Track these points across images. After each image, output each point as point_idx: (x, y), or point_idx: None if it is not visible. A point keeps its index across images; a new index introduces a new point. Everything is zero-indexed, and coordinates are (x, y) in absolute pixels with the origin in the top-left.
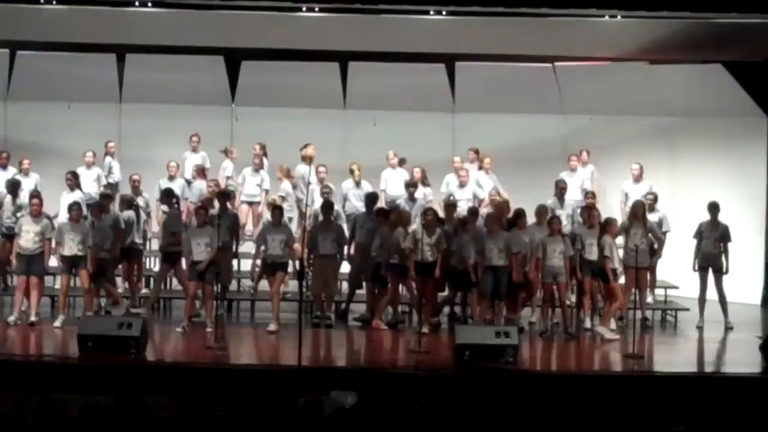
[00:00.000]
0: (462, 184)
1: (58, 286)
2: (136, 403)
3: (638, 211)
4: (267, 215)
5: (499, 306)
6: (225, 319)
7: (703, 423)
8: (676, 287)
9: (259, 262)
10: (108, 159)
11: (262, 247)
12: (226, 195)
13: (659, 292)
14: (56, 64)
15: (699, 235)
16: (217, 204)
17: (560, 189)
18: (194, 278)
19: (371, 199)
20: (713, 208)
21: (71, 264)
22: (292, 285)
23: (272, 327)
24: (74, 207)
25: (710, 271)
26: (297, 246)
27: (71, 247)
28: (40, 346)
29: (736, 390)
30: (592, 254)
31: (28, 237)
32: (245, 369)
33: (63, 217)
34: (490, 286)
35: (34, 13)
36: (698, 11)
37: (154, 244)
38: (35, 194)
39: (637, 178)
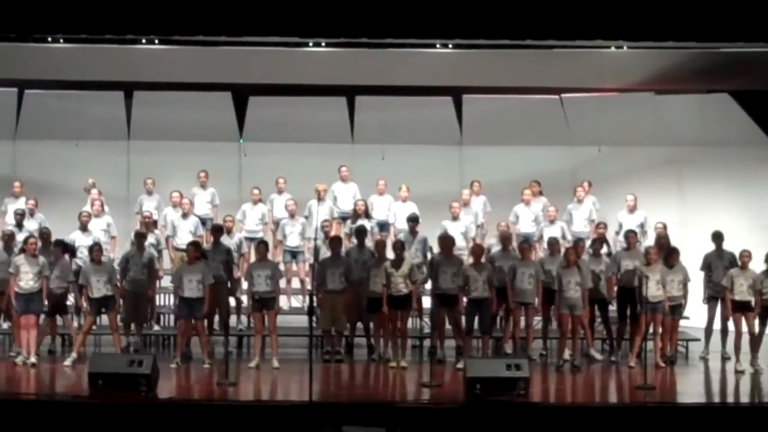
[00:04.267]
0: (454, 217)
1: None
2: None
3: (663, 243)
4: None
5: (484, 341)
6: (233, 355)
7: None
8: (686, 318)
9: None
10: (142, 197)
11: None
12: (219, 229)
13: None
14: (64, 102)
15: (707, 266)
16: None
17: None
18: (184, 315)
19: (360, 232)
20: (717, 237)
21: (101, 305)
22: (295, 320)
23: (275, 364)
24: (95, 248)
25: (719, 301)
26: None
27: (99, 288)
28: (51, 384)
29: (748, 420)
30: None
31: (27, 277)
32: (257, 405)
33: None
34: (473, 320)
35: (41, 52)
36: (704, 41)
37: (165, 281)
38: (32, 235)
39: (632, 209)
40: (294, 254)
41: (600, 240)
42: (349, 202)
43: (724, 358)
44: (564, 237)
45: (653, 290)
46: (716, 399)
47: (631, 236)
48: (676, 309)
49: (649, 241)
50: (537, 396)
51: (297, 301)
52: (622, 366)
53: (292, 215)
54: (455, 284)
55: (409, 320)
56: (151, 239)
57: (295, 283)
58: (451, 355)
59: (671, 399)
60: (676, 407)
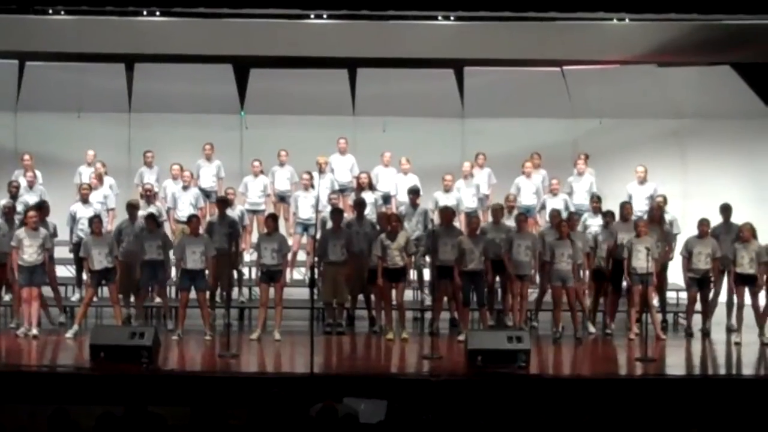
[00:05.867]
0: (446, 189)
1: (74, 297)
2: (145, 412)
3: (656, 215)
4: None
5: (482, 313)
6: (235, 327)
7: (716, 426)
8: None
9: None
10: (143, 169)
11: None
12: (225, 201)
13: (671, 294)
14: (65, 75)
15: (715, 238)
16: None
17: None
18: (185, 287)
19: (360, 204)
20: (725, 210)
21: (101, 277)
22: (296, 292)
23: (277, 336)
24: (95, 220)
25: (725, 273)
26: None
27: (100, 261)
28: (53, 356)
29: (749, 392)
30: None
31: (30, 251)
32: (258, 377)
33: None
34: (469, 292)
35: (43, 24)
36: (706, 13)
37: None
38: (31, 207)
39: (642, 180)
40: (306, 227)
41: (609, 212)
42: (346, 174)
43: (730, 330)
44: (567, 209)
45: (642, 262)
46: (720, 371)
47: (627, 207)
48: (704, 283)
49: None
50: (538, 368)
51: (299, 274)
52: (617, 339)
53: (306, 188)
54: (454, 256)
55: (410, 293)
56: (152, 210)
57: (302, 256)
58: (444, 327)
59: (671, 371)
60: (676, 379)
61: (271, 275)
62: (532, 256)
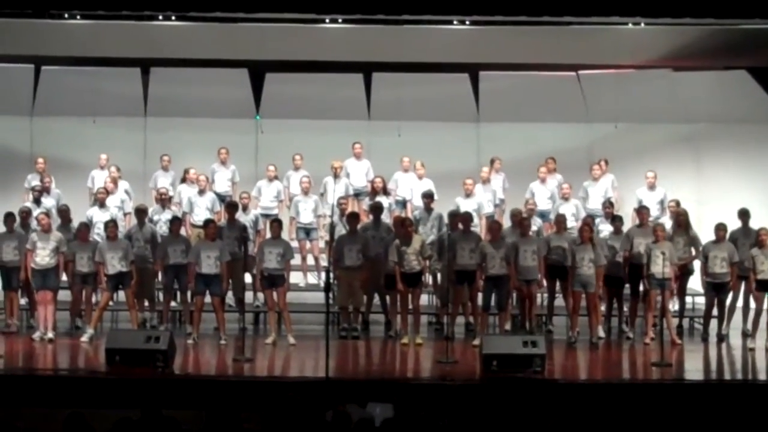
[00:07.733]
0: (467, 194)
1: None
2: (162, 416)
3: (681, 220)
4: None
5: (501, 317)
6: (250, 331)
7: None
8: (703, 294)
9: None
10: (158, 173)
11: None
12: (234, 206)
13: (687, 300)
14: (81, 79)
15: (733, 243)
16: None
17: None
18: (201, 291)
19: (377, 208)
20: (744, 214)
21: (117, 281)
22: (311, 297)
23: (291, 340)
24: (110, 224)
25: (743, 279)
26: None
27: (114, 265)
28: (69, 360)
29: (765, 397)
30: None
31: (43, 253)
32: (273, 381)
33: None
34: (490, 297)
35: (58, 29)
36: (722, 17)
37: None
38: (44, 211)
39: (652, 186)
40: (307, 231)
41: (618, 217)
42: (361, 178)
43: (746, 335)
44: (578, 214)
45: (659, 267)
46: (737, 376)
47: (643, 212)
48: (721, 288)
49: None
50: (553, 373)
51: (313, 278)
52: (633, 344)
53: (305, 192)
54: (473, 261)
55: (425, 297)
56: (167, 215)
57: (310, 260)
58: (460, 332)
59: (688, 376)
60: (693, 384)
61: (273, 280)
62: (538, 261)
